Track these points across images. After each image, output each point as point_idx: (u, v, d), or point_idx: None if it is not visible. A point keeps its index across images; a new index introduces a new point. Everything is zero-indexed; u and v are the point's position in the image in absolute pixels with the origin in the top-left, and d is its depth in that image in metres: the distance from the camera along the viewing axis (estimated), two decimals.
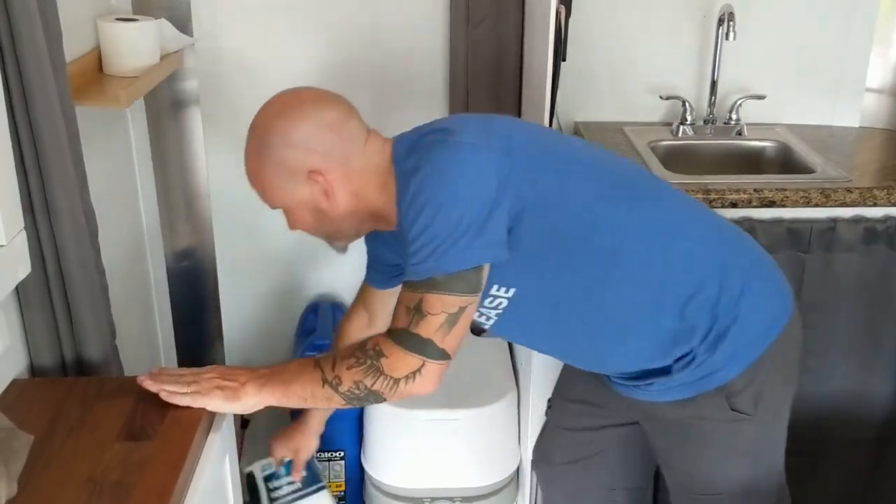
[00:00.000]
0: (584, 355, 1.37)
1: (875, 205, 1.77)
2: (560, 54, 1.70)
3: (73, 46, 1.57)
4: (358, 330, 1.51)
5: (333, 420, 2.03)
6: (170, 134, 2.01)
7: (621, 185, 1.25)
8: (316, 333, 2.07)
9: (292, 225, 1.29)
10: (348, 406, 1.17)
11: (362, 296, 1.53)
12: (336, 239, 1.31)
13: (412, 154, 1.17)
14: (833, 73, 2.16)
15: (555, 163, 1.21)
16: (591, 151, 1.33)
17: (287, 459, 1.57)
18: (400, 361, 1.12)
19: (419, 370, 1.12)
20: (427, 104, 2.09)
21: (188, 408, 1.18)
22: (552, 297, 1.23)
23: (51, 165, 1.22)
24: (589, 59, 2.08)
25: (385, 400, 1.14)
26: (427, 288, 1.10)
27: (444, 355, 1.12)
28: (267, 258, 2.20)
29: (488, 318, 1.29)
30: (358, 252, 2.19)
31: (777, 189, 1.76)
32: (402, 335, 1.12)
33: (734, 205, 1.76)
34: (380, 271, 1.46)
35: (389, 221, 1.24)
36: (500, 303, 1.24)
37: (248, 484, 1.56)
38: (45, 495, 1.02)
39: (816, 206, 1.77)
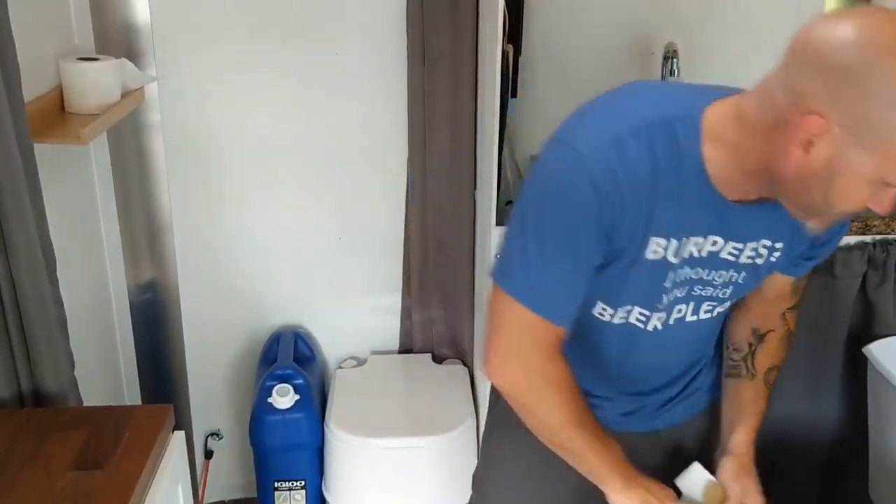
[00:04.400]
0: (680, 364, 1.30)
1: None
2: (508, 91, 1.77)
3: (36, 85, 1.62)
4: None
5: (294, 450, 2.08)
6: (132, 168, 2.05)
7: None
8: (277, 363, 2.10)
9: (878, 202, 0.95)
10: None
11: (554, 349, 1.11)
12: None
13: None
14: None
15: None
16: None
17: None
18: None
19: None
20: (387, 131, 2.15)
21: (141, 436, 1.21)
22: None
23: (7, 201, 1.26)
24: (542, 95, 2.15)
25: None
26: None
27: None
28: (230, 290, 2.24)
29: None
30: (324, 279, 2.26)
31: None
32: (803, 297, 1.23)
33: None
34: (582, 296, 1.11)
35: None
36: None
37: None
38: None
39: None
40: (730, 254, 1.10)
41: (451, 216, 2.15)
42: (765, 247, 1.11)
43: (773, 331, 1.23)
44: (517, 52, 1.97)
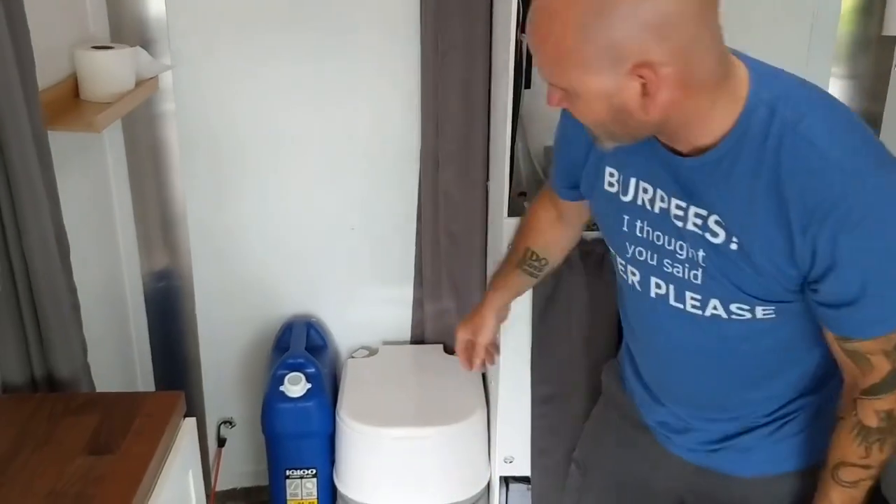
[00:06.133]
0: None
1: None
2: (522, 82, 1.76)
3: (50, 73, 1.62)
4: (548, 224, 1.43)
5: (305, 438, 2.09)
6: (146, 157, 2.06)
7: None
8: (289, 352, 2.11)
9: (575, 113, 1.01)
10: None
11: (549, 194, 1.40)
12: (611, 139, 1.05)
13: (800, 116, 0.99)
14: None
15: None
16: None
17: None
18: None
19: None
20: (401, 120, 2.15)
21: (152, 422, 1.22)
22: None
23: (20, 188, 1.27)
24: None
25: None
26: None
27: None
28: (243, 279, 2.25)
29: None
30: (337, 269, 2.26)
31: None
32: (889, 381, 1.07)
33: None
34: (568, 181, 1.29)
35: (680, 140, 1.04)
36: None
37: None
38: None
39: None
40: (676, 216, 1.09)
41: (464, 207, 2.15)
42: (716, 222, 1.05)
43: (842, 418, 1.12)
44: None
